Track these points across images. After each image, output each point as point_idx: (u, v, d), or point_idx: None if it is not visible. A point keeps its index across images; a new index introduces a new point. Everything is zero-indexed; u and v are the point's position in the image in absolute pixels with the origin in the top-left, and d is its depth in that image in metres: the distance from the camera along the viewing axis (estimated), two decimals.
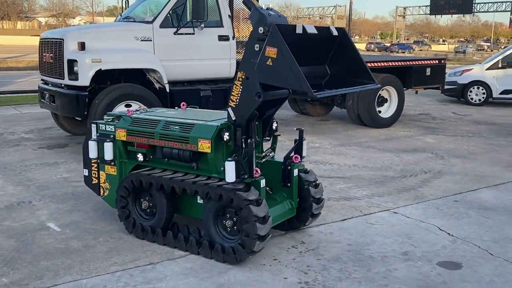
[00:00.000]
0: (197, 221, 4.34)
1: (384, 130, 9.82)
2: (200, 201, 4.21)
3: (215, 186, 3.86)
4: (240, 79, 3.89)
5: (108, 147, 4.42)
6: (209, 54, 7.86)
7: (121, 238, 4.40)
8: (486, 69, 13.57)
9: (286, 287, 3.58)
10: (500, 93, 13.40)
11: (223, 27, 7.99)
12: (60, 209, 5.11)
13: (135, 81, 7.49)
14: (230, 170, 3.78)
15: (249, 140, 3.94)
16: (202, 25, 7.63)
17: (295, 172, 4.36)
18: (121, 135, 4.38)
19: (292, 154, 4.38)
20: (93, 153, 4.56)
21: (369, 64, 9.96)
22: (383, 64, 10.07)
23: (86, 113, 7.00)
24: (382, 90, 10.05)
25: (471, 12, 64.27)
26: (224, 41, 7.97)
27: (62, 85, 7.24)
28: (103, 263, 3.91)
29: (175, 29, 7.53)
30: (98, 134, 4.54)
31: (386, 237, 4.51)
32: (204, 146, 3.92)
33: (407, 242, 4.42)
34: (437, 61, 10.94)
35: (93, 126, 4.58)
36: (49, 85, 7.64)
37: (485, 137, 9.32)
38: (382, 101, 10.18)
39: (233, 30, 8.19)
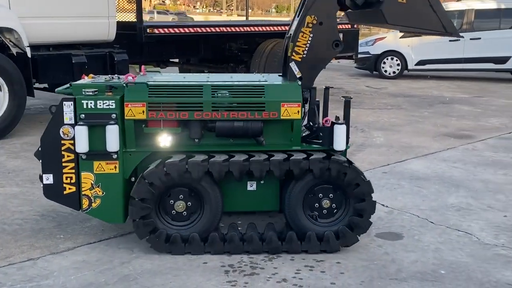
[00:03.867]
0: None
1: None
2: (251, 187, 3.95)
3: (319, 160, 3.70)
4: (310, 24, 3.79)
5: (113, 132, 3.63)
6: (81, 10, 7.53)
7: None
8: (400, 37, 14.31)
9: (208, 272, 3.53)
10: (416, 64, 14.18)
11: None
12: None
13: None
14: (341, 136, 3.74)
15: (344, 99, 3.90)
16: None
17: None
18: (137, 111, 3.68)
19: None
20: (83, 144, 3.61)
21: (255, 28, 10.19)
22: (273, 29, 10.22)
23: None
24: None
25: None
26: None
27: None
28: None
29: None
30: (83, 115, 3.64)
31: None
32: (291, 111, 3.72)
33: None
34: (349, 26, 11.41)
35: (67, 104, 3.63)
36: None
37: (405, 109, 9.91)
38: None
39: None
